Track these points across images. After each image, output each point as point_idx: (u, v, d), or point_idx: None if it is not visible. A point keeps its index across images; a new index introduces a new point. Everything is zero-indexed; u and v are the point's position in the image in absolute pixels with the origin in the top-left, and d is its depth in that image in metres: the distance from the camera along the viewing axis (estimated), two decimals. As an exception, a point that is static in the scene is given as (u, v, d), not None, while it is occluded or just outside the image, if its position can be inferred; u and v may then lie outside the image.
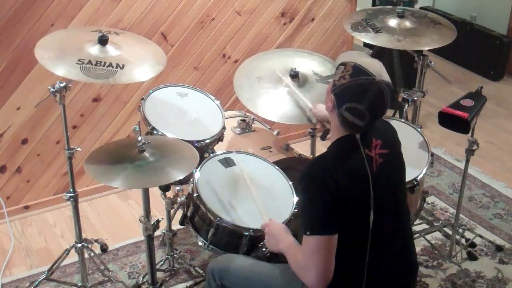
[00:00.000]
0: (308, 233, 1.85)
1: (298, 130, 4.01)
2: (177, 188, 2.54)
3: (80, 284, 2.79)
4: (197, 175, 2.43)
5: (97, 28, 2.59)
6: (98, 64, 2.37)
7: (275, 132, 3.14)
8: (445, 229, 3.15)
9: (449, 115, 2.62)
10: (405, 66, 3.98)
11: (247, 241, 2.33)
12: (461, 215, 3.20)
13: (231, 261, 2.22)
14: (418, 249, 3.01)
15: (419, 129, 2.86)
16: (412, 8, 3.58)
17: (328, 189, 1.83)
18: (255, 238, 2.32)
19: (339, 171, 1.86)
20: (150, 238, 2.40)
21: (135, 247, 3.12)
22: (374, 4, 4.84)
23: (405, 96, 2.98)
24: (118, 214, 3.41)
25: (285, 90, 2.75)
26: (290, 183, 2.53)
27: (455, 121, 2.62)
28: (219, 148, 2.78)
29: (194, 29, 3.49)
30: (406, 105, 3.05)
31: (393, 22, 2.93)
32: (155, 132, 2.64)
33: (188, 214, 2.48)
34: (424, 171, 2.68)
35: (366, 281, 1.92)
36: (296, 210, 2.40)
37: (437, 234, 3.18)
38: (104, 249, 3.07)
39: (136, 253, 3.09)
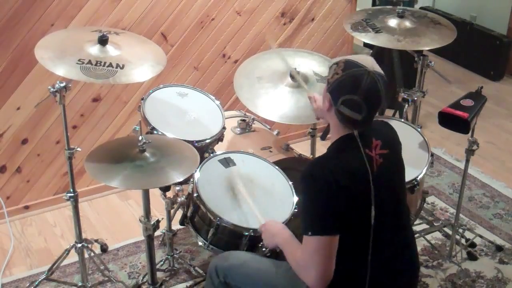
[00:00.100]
0: (309, 233, 1.85)
1: (298, 130, 4.01)
2: (177, 188, 2.54)
3: (80, 284, 2.79)
4: (197, 175, 2.43)
5: (97, 28, 2.59)
6: (98, 64, 2.37)
7: (275, 132, 3.14)
8: (445, 229, 3.15)
9: (449, 115, 2.62)
10: (405, 66, 3.98)
11: (247, 241, 2.33)
12: (461, 215, 3.20)
13: (235, 258, 2.21)
14: (418, 249, 3.00)
15: (419, 129, 2.86)
16: (412, 8, 3.58)
17: (330, 189, 1.83)
18: (255, 238, 2.32)
19: (340, 171, 1.86)
20: (150, 238, 2.40)
21: (135, 247, 3.12)
22: (374, 4, 4.84)
23: (405, 96, 2.98)
24: (118, 214, 3.41)
25: (285, 89, 2.75)
26: (290, 183, 2.53)
27: (455, 121, 2.62)
28: (219, 148, 2.78)
29: (194, 29, 3.49)
30: (406, 105, 3.05)
31: (393, 22, 2.93)
32: (155, 132, 2.63)
33: (188, 214, 2.48)
34: (424, 171, 2.68)
35: (368, 281, 1.92)
36: (296, 210, 2.40)
37: (437, 234, 3.18)
38: (104, 249, 3.07)
39: (136, 253, 3.09)
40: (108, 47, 2.46)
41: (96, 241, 2.98)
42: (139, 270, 2.97)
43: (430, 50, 3.08)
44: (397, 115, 3.91)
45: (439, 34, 2.88)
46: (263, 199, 2.42)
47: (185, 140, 2.50)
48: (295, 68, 2.74)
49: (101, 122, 3.42)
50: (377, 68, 1.90)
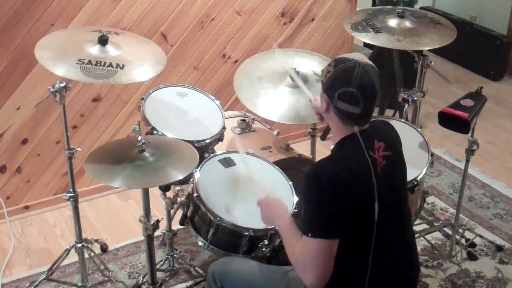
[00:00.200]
0: (309, 234, 1.85)
1: (298, 130, 4.01)
2: (177, 188, 2.54)
3: (80, 284, 2.79)
4: (197, 175, 2.43)
5: (97, 28, 2.58)
6: (98, 64, 2.37)
7: (275, 132, 3.14)
8: (445, 229, 3.15)
9: (449, 115, 2.62)
10: (405, 66, 3.98)
11: (247, 241, 2.33)
12: (461, 215, 3.20)
13: (232, 264, 2.22)
14: (418, 249, 3.00)
15: (419, 129, 2.86)
16: (412, 8, 3.58)
17: (333, 191, 1.83)
18: (255, 238, 2.32)
19: (343, 173, 1.85)
20: (150, 238, 2.40)
21: (135, 247, 3.12)
22: (374, 4, 4.84)
23: (405, 96, 2.98)
24: (118, 214, 3.41)
25: (285, 89, 2.75)
26: (290, 183, 2.52)
27: (455, 121, 2.62)
28: (219, 148, 2.78)
29: (194, 29, 3.49)
30: (406, 105, 3.05)
31: (393, 22, 2.93)
32: (155, 132, 2.63)
33: (188, 214, 2.48)
34: (424, 171, 2.68)
35: (369, 281, 1.92)
36: (296, 210, 2.40)
37: (437, 234, 3.18)
38: (104, 249, 3.07)
39: (136, 253, 3.09)
40: (108, 47, 2.46)
41: (96, 241, 2.98)
42: (139, 270, 2.97)
43: (430, 50, 3.08)
44: (397, 115, 3.91)
45: (439, 34, 2.88)
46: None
47: (185, 140, 2.50)
48: (295, 69, 2.73)
49: (101, 122, 3.42)
50: (366, 60, 1.91)
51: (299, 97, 2.73)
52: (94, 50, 2.44)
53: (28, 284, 2.83)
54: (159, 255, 2.97)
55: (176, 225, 2.71)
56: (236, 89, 2.79)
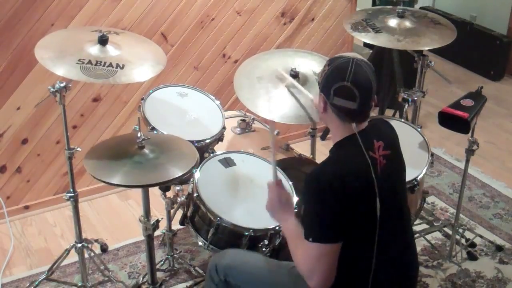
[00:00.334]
0: (310, 239, 1.85)
1: (298, 130, 4.01)
2: (177, 188, 2.54)
3: (80, 284, 2.79)
4: (197, 175, 2.43)
5: (97, 28, 2.58)
6: (98, 64, 2.37)
7: (275, 132, 3.13)
8: (445, 229, 3.15)
9: (449, 115, 2.62)
10: (405, 66, 3.98)
11: (247, 241, 2.32)
12: (461, 215, 3.20)
13: (236, 256, 2.21)
14: (418, 249, 3.00)
15: (419, 129, 2.86)
16: (412, 8, 3.58)
17: (336, 194, 1.82)
18: (255, 238, 2.32)
19: (345, 175, 1.85)
20: (150, 238, 2.40)
21: (135, 247, 3.12)
22: (374, 4, 4.84)
23: (405, 96, 2.98)
24: (118, 214, 3.41)
25: (285, 89, 2.75)
26: (290, 183, 2.52)
27: (455, 121, 2.62)
28: (219, 148, 2.78)
29: (194, 29, 3.49)
30: (406, 105, 3.05)
31: (393, 22, 2.93)
32: (155, 132, 2.64)
33: (188, 214, 2.48)
34: (424, 171, 2.68)
35: (371, 282, 1.92)
36: (296, 210, 2.40)
37: (437, 234, 3.18)
38: (104, 249, 3.07)
39: (136, 253, 3.09)
40: (108, 47, 2.46)
41: (96, 241, 2.98)
42: (139, 270, 2.97)
43: (430, 50, 3.08)
44: (397, 115, 3.91)
45: (439, 34, 2.88)
46: (263, 199, 2.41)
47: (185, 140, 2.50)
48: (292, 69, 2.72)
49: (101, 122, 3.42)
50: (360, 57, 1.93)
51: (299, 97, 2.72)
52: (94, 50, 2.44)
53: (28, 284, 2.83)
54: (159, 255, 2.97)
55: (176, 225, 2.71)
56: (236, 89, 2.79)
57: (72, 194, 2.62)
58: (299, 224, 1.97)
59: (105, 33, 2.48)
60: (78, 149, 2.58)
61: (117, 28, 3.17)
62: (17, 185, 3.33)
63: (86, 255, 2.76)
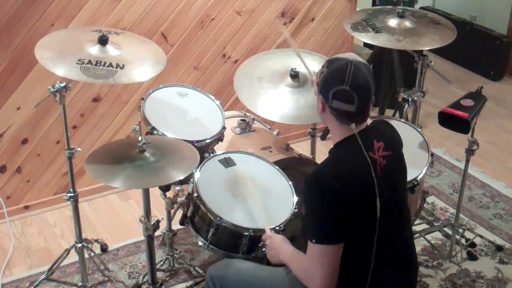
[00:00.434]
0: (313, 241, 1.85)
1: (298, 130, 4.01)
2: (177, 188, 2.54)
3: (80, 284, 2.79)
4: (197, 175, 2.43)
5: (97, 28, 2.58)
6: (98, 64, 2.37)
7: (275, 132, 3.13)
8: (445, 229, 3.15)
9: (449, 115, 2.62)
10: (405, 66, 3.98)
11: (247, 241, 2.32)
12: (461, 215, 3.20)
13: (230, 266, 2.22)
14: (418, 249, 3.01)
15: (419, 129, 2.86)
16: (412, 8, 3.58)
17: (335, 195, 1.83)
18: (255, 238, 2.32)
19: (344, 176, 1.85)
20: (150, 238, 2.40)
21: (135, 247, 3.12)
22: (374, 4, 4.84)
23: (405, 96, 2.98)
24: (118, 214, 3.41)
25: (285, 88, 2.75)
26: (290, 183, 2.52)
27: (455, 121, 2.62)
28: (219, 148, 2.78)
29: (194, 29, 3.49)
30: (406, 105, 3.05)
31: (393, 22, 2.93)
32: (155, 132, 2.63)
33: (188, 214, 2.48)
34: (424, 171, 2.68)
35: (370, 281, 1.92)
36: (296, 210, 2.40)
37: (437, 234, 3.18)
38: (104, 249, 3.07)
39: (136, 253, 3.09)
40: (108, 47, 2.46)
41: (96, 241, 2.98)
42: (139, 270, 2.97)
43: (430, 50, 3.08)
44: (397, 115, 3.91)
45: (439, 34, 2.88)
46: (263, 199, 2.42)
47: (185, 140, 2.50)
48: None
49: (101, 122, 3.42)
50: (359, 58, 1.92)
51: (299, 97, 2.73)
52: (94, 50, 2.44)
53: (28, 284, 2.83)
54: (159, 255, 2.97)
55: (176, 225, 2.71)
56: (236, 89, 2.79)
57: (72, 194, 2.62)
58: (298, 251, 2.03)
59: (105, 33, 2.47)
60: (78, 149, 2.58)
61: (117, 28, 3.17)
62: (17, 185, 3.33)
63: (86, 255, 2.76)
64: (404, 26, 2.91)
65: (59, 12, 3.09)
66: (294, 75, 2.76)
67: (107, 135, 3.46)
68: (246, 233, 2.31)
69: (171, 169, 2.22)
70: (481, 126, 3.90)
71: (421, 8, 5.09)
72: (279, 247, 2.13)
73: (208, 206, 2.35)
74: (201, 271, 2.87)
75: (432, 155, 2.75)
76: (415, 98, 2.98)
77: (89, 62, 2.37)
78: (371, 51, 4.34)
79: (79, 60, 2.36)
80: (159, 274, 2.84)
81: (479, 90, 2.76)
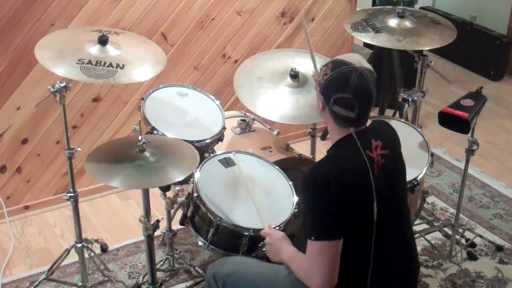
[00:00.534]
0: (312, 238, 1.86)
1: (298, 130, 4.01)
2: (177, 188, 2.54)
3: (80, 284, 2.79)
4: (197, 175, 2.43)
5: (97, 28, 2.59)
6: (98, 64, 2.37)
7: (275, 132, 3.14)
8: (445, 229, 3.15)
9: (449, 115, 2.62)
10: (405, 66, 3.98)
11: (247, 241, 2.32)
12: (461, 215, 3.20)
13: (233, 264, 2.21)
14: (418, 249, 2.99)
15: (419, 129, 2.86)
16: (412, 8, 3.58)
17: (333, 193, 1.83)
18: (255, 238, 2.32)
19: (342, 174, 1.86)
20: (150, 238, 2.40)
21: (135, 247, 3.12)
22: (374, 4, 4.84)
23: (405, 96, 2.98)
24: (118, 214, 3.41)
25: (285, 88, 2.75)
26: (290, 183, 2.53)
27: (455, 121, 2.62)
28: (219, 148, 2.78)
29: (194, 29, 3.49)
30: (406, 105, 3.05)
31: (393, 22, 2.93)
32: (155, 132, 2.63)
33: (188, 214, 2.48)
34: (424, 171, 2.68)
35: (370, 281, 1.92)
36: (296, 210, 2.40)
37: (437, 234, 3.18)
38: (104, 249, 3.07)
39: (136, 253, 3.09)
40: (108, 47, 2.46)
41: (96, 241, 2.98)
42: (139, 270, 2.97)
43: (430, 50, 3.08)
44: (397, 115, 3.91)
45: (439, 34, 2.88)
46: (263, 199, 2.42)
47: (185, 140, 2.50)
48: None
49: (101, 122, 3.42)
50: (364, 64, 1.91)
51: (299, 97, 2.73)
52: (94, 50, 2.44)
53: (28, 284, 2.83)
54: (159, 255, 2.97)
55: (176, 225, 2.71)
56: (236, 89, 2.79)
57: (72, 194, 2.62)
58: (299, 252, 2.02)
59: (105, 33, 2.48)
60: (78, 149, 2.58)
61: (117, 28, 3.17)
62: (17, 185, 3.33)
63: (86, 255, 2.76)
64: (404, 26, 2.91)
65: (59, 12, 3.09)
66: (294, 75, 2.76)
67: (107, 135, 3.46)
68: (246, 233, 2.31)
69: (171, 169, 2.22)
70: (481, 126, 3.90)
71: (421, 8, 5.09)
72: (279, 246, 2.13)
73: (208, 206, 2.35)
74: (201, 271, 2.87)
75: (432, 155, 2.75)
76: (415, 98, 2.98)
77: (89, 62, 2.37)
78: (371, 51, 4.34)
79: (79, 60, 2.36)
80: (159, 274, 2.84)
81: (479, 90, 2.76)
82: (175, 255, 2.92)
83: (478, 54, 5.14)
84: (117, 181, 2.15)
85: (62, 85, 2.43)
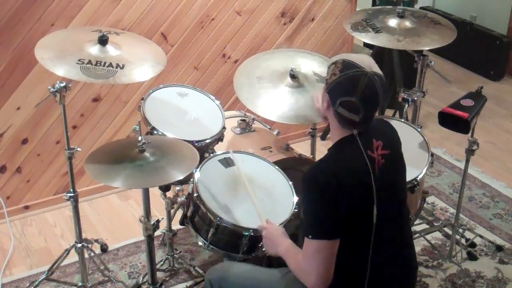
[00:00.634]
0: (310, 236, 1.86)
1: (298, 130, 4.01)
2: (177, 188, 2.54)
3: (80, 284, 2.79)
4: (197, 175, 2.43)
5: (97, 28, 2.59)
6: (98, 64, 2.37)
7: (275, 132, 3.14)
8: (445, 229, 3.15)
9: (449, 115, 2.62)
10: (405, 66, 3.98)
11: (247, 241, 2.32)
12: (461, 215, 3.20)
13: (229, 269, 2.22)
14: (418, 249, 3.02)
15: (419, 129, 2.86)
16: (412, 8, 3.58)
17: (332, 192, 1.83)
18: (255, 238, 2.32)
19: (342, 173, 1.86)
20: (150, 238, 2.40)
21: (135, 247, 3.12)
22: (374, 4, 4.84)
23: (405, 96, 2.98)
24: (118, 214, 3.41)
25: (285, 88, 2.75)
26: (290, 183, 2.52)
27: (455, 121, 2.62)
28: (219, 148, 2.78)
29: (194, 29, 3.49)
30: (406, 105, 3.05)
31: (393, 22, 2.93)
32: (155, 132, 2.63)
33: (188, 214, 2.48)
34: (424, 171, 2.68)
35: (368, 281, 1.92)
36: (296, 210, 2.40)
37: (437, 234, 3.18)
38: (104, 249, 3.07)
39: (136, 253, 3.09)
40: (108, 47, 2.46)
41: (96, 241, 2.98)
42: (139, 270, 2.97)
43: (430, 50, 3.08)
44: (397, 115, 3.91)
45: (439, 34, 2.88)
46: (263, 199, 2.42)
47: (185, 140, 2.50)
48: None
49: (101, 122, 3.42)
50: (375, 68, 1.90)
51: (299, 97, 2.73)
52: (94, 50, 2.44)
53: (28, 284, 2.83)
54: (159, 255, 2.97)
55: (176, 225, 2.71)
56: (236, 89, 2.79)
57: (72, 194, 2.62)
58: (295, 245, 2.02)
59: (105, 33, 2.48)
60: (78, 149, 2.58)
61: (117, 28, 3.17)
62: (17, 185, 3.33)
63: (86, 255, 2.76)
64: (404, 26, 2.91)
65: (59, 12, 3.09)
66: (294, 75, 2.76)
67: (107, 135, 3.46)
68: (246, 233, 2.31)
69: (170, 169, 2.22)
70: (481, 126, 3.90)
71: (421, 8, 5.09)
72: (276, 239, 2.13)
73: (208, 206, 2.35)
74: (201, 271, 2.87)
75: (432, 155, 2.75)
76: (415, 98, 2.98)
77: (89, 62, 2.37)
78: (371, 51, 4.34)
79: (79, 60, 2.36)
80: (159, 274, 2.84)
81: (479, 90, 2.76)
82: (175, 255, 2.92)
83: (478, 54, 5.14)
84: (118, 181, 2.16)
85: (62, 85, 2.43)
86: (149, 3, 3.30)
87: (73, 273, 2.94)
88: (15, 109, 3.17)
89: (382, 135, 1.99)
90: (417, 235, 3.01)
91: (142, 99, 2.77)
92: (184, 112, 2.82)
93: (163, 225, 2.73)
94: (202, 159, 2.51)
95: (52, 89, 2.43)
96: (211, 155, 2.59)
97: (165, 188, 2.58)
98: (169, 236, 2.85)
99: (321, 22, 3.90)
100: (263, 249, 2.32)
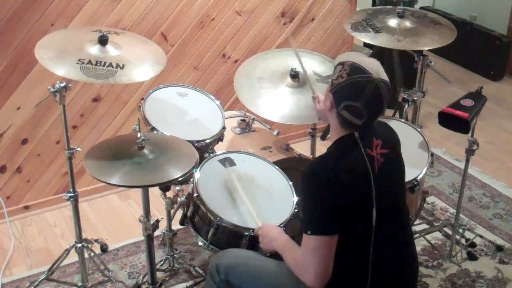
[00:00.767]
0: (308, 232, 1.86)
1: (298, 130, 4.01)
2: (177, 188, 2.54)
3: (80, 284, 2.79)
4: (197, 175, 2.43)
5: (97, 28, 2.59)
6: (98, 64, 2.37)
7: (275, 132, 3.14)
8: (445, 229, 3.15)
9: (449, 115, 2.62)
10: (405, 66, 3.98)
11: (247, 241, 2.32)
12: (461, 215, 3.20)
13: (237, 256, 2.20)
14: (418, 249, 3.01)
15: (419, 129, 2.86)
16: (412, 8, 3.58)
17: (331, 188, 1.83)
18: (255, 238, 2.31)
19: (341, 170, 1.86)
20: (150, 238, 2.40)
21: (135, 247, 3.12)
22: (374, 4, 4.84)
23: (405, 96, 2.98)
24: (118, 214, 3.41)
25: (285, 89, 2.75)
26: (290, 183, 2.53)
27: (455, 121, 2.62)
28: (219, 148, 2.78)
29: (194, 29, 3.49)
30: (406, 105, 3.05)
31: (393, 22, 2.93)
32: (155, 132, 2.64)
33: (188, 214, 2.48)
34: (424, 171, 2.68)
35: (370, 281, 1.92)
36: (296, 210, 2.40)
37: (437, 234, 3.18)
38: (104, 249, 3.07)
39: (136, 253, 3.09)
40: (108, 47, 2.46)
41: (96, 241, 2.98)
42: (139, 270, 2.97)
43: (430, 50, 3.08)
44: (397, 115, 3.91)
45: (439, 34, 2.88)
46: (263, 199, 2.42)
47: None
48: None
49: (101, 122, 3.42)
50: (382, 74, 1.89)
51: (299, 97, 2.73)
52: (94, 50, 2.44)
53: (28, 284, 2.83)
54: (159, 255, 2.97)
55: (176, 225, 2.71)
56: (236, 89, 2.79)
57: (72, 194, 2.62)
58: (292, 241, 2.03)
59: (105, 33, 2.48)
60: (78, 149, 2.58)
61: (117, 28, 3.17)
62: (17, 185, 3.33)
63: (86, 255, 2.76)
64: (404, 26, 2.91)
65: (59, 12, 3.09)
66: (294, 75, 2.76)
67: (107, 135, 3.46)
68: (246, 233, 2.31)
69: (169, 167, 2.22)
70: (481, 126, 3.89)
71: (421, 8, 5.09)
72: (272, 235, 2.13)
73: (208, 206, 2.35)
74: (201, 271, 2.87)
75: (432, 155, 2.75)
76: (415, 98, 2.98)
77: (89, 62, 2.37)
78: (371, 51, 4.34)
79: (79, 60, 2.36)
80: (159, 274, 2.84)
81: (479, 90, 2.76)
82: (175, 255, 2.92)
83: (478, 54, 5.14)
84: (116, 178, 2.15)
85: (62, 85, 2.43)
86: (149, 3, 3.30)
87: (73, 273, 2.94)
88: (15, 109, 3.17)
89: (381, 134, 1.99)
90: (417, 235, 3.01)
91: (142, 99, 2.78)
92: (184, 112, 2.82)
93: (163, 225, 2.73)
94: (202, 159, 2.51)
95: (52, 89, 2.43)
96: (211, 155, 2.59)
97: (165, 188, 2.58)
98: (169, 236, 2.85)
99: (321, 22, 3.90)
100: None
